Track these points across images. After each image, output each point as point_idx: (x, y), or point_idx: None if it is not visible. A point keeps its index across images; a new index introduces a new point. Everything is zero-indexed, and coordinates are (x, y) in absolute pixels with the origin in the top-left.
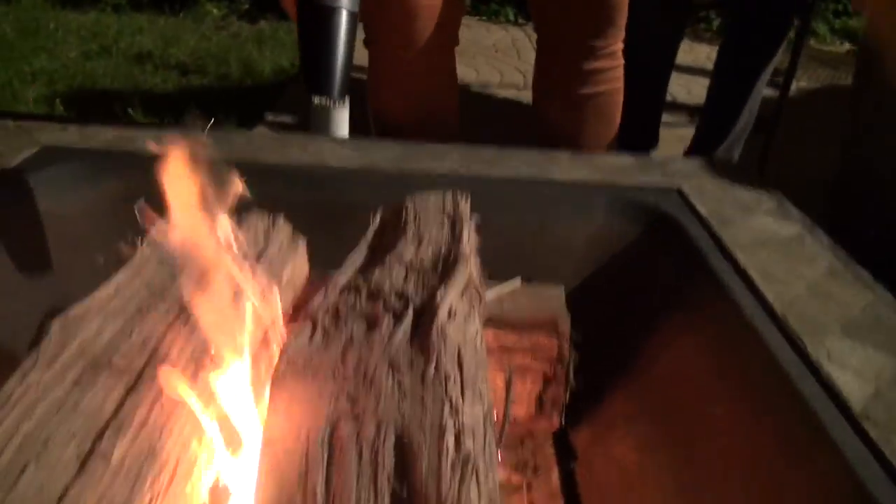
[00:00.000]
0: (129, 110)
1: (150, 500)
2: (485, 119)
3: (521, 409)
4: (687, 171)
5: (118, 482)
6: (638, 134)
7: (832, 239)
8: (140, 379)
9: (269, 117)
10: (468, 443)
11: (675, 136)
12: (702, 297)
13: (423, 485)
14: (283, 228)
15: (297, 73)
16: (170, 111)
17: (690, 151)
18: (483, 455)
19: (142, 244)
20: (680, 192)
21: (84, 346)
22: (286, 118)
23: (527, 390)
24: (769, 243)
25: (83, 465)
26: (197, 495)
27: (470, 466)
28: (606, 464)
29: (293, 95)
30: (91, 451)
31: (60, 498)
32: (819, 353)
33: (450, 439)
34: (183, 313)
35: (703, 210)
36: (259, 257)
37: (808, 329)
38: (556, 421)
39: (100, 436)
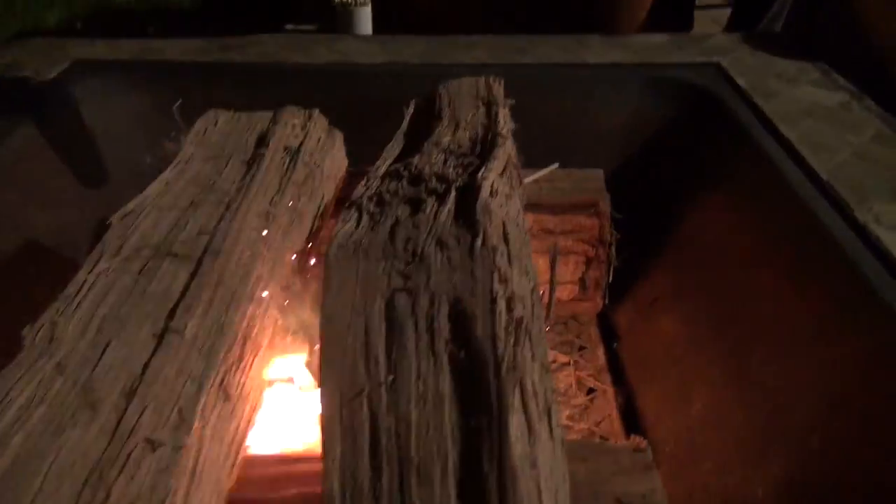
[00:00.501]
0: (150, 29)
1: (224, 371)
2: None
3: (565, 290)
4: (725, 46)
5: (193, 355)
6: (670, 17)
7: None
8: (200, 265)
9: (290, 27)
10: (519, 308)
11: (709, 18)
12: (744, 169)
13: (480, 347)
14: (320, 121)
15: None
16: (188, 26)
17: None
18: (533, 322)
19: (184, 141)
20: (719, 67)
21: (144, 237)
22: (307, 26)
23: (569, 272)
24: (814, 113)
25: (160, 341)
26: (264, 369)
27: (523, 329)
28: (651, 339)
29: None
30: (165, 329)
31: (144, 369)
32: (866, 217)
33: (502, 304)
34: (232, 203)
35: (743, 83)
36: (299, 148)
37: (854, 194)
38: (599, 301)
39: (171, 316)
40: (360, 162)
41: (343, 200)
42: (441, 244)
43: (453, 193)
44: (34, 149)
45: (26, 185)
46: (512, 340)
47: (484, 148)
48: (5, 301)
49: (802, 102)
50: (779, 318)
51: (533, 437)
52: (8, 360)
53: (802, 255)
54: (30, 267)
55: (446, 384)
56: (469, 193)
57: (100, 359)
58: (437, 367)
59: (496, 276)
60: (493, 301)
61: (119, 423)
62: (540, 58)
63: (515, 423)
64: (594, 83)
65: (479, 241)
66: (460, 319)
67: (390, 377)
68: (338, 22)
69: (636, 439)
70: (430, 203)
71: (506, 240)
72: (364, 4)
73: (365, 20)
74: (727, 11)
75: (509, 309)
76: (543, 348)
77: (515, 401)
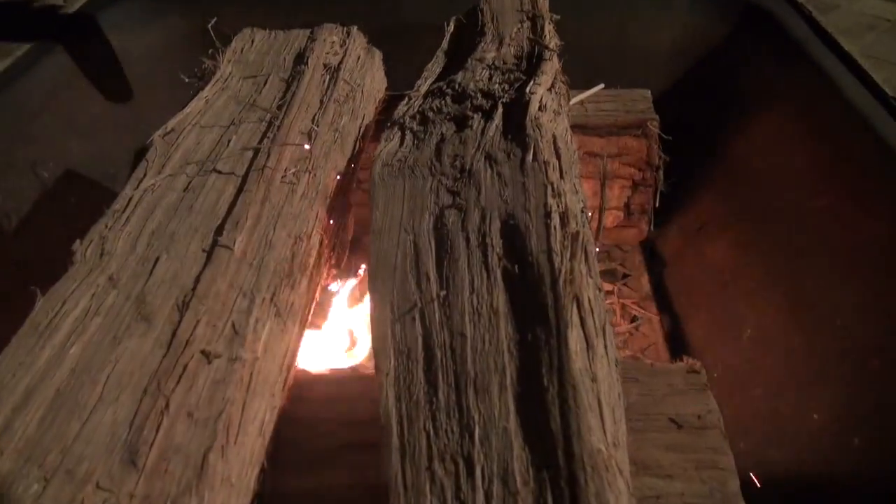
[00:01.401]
0: None
1: (275, 287)
2: None
3: (609, 217)
4: None
5: (244, 269)
6: None
7: None
8: (246, 182)
9: None
10: (573, 223)
11: None
12: (801, 88)
13: (535, 262)
14: (358, 38)
15: None
16: None
17: None
18: (587, 237)
19: (221, 59)
20: None
21: (187, 155)
22: None
23: (615, 197)
24: (877, 26)
25: (209, 256)
26: (315, 288)
27: (579, 243)
28: (698, 266)
29: None
30: (214, 244)
31: (195, 283)
32: None
33: (556, 219)
34: (274, 120)
35: None
36: (339, 67)
37: None
38: (644, 228)
39: (219, 231)
40: (402, 84)
41: (384, 122)
42: (490, 159)
43: (500, 109)
44: (70, 77)
45: (64, 114)
46: (568, 254)
47: (530, 63)
48: (50, 231)
49: (863, 16)
50: (838, 239)
51: (592, 352)
52: (52, 283)
53: (866, 173)
54: (70, 195)
55: (501, 299)
56: (517, 109)
57: (151, 272)
58: (491, 281)
59: (549, 190)
60: (548, 215)
61: (174, 335)
62: None
63: (574, 336)
64: (637, 1)
65: (530, 156)
66: (513, 234)
67: (443, 292)
68: None
69: (690, 361)
70: (477, 119)
71: (557, 154)
72: None
73: None
74: None
75: (563, 223)
76: (596, 266)
77: (573, 315)
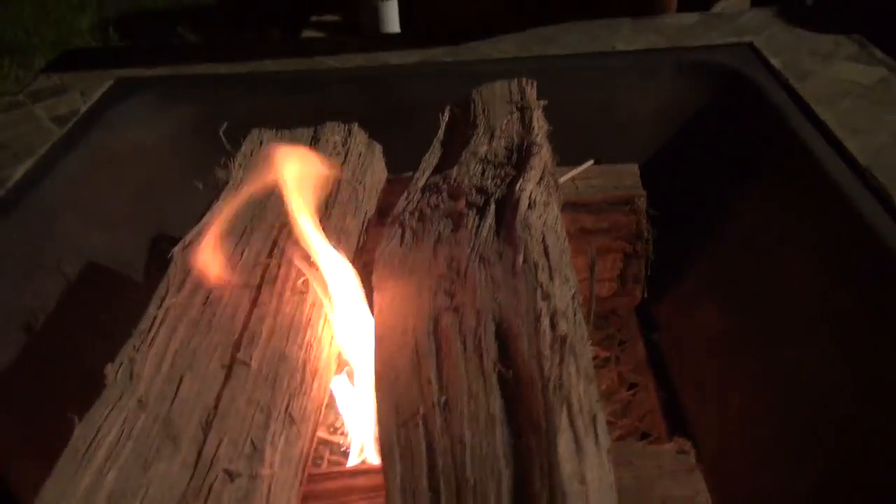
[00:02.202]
0: (179, 28)
1: (289, 397)
2: None
3: (604, 287)
4: (758, 24)
5: (260, 385)
6: None
7: None
8: (259, 294)
9: (314, 18)
10: (563, 324)
11: None
12: (781, 156)
13: (527, 367)
14: (359, 135)
15: None
16: (216, 23)
17: None
18: (576, 335)
19: (233, 165)
20: (752, 47)
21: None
22: (331, 16)
23: (608, 268)
24: (852, 92)
25: (229, 372)
26: (324, 391)
27: (567, 346)
28: (690, 332)
29: None
30: (233, 360)
31: (217, 401)
32: None
33: (545, 322)
34: (284, 228)
35: (777, 63)
36: (341, 167)
37: (893, 180)
38: (638, 296)
39: (237, 346)
40: (400, 164)
41: (384, 210)
42: (484, 261)
43: (493, 206)
44: (89, 172)
45: (85, 209)
46: (557, 359)
47: (520, 156)
48: (72, 324)
49: (839, 81)
50: (816, 311)
51: (581, 454)
52: (84, 380)
53: (841, 247)
54: (91, 288)
55: (497, 404)
56: (508, 207)
57: (176, 392)
58: (487, 386)
59: (539, 292)
60: (538, 319)
61: (199, 455)
62: (569, 47)
63: (564, 441)
64: (625, 71)
65: (520, 258)
66: (507, 338)
67: (443, 398)
68: (363, 16)
69: (679, 441)
70: (471, 217)
71: (546, 253)
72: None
73: (392, 14)
74: None
75: (553, 326)
76: (587, 357)
77: (563, 420)
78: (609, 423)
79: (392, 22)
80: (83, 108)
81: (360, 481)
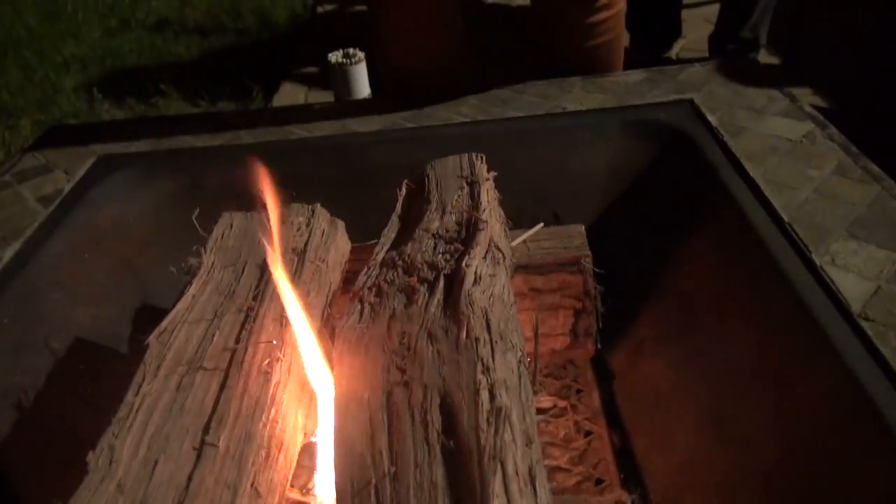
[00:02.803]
0: (162, 86)
1: (255, 473)
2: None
3: (558, 341)
4: (699, 79)
5: (227, 465)
6: (659, 27)
7: (844, 135)
8: (227, 376)
9: (294, 71)
10: (502, 394)
11: (701, 17)
12: (715, 213)
13: (466, 438)
14: (322, 215)
15: (311, 17)
16: (198, 79)
17: (716, 33)
18: (519, 398)
19: (205, 252)
20: (692, 104)
21: (178, 354)
22: (310, 68)
23: (560, 324)
24: (779, 148)
25: (199, 454)
26: (290, 461)
27: (503, 416)
28: (640, 382)
29: (310, 42)
30: (202, 443)
31: (188, 482)
32: (823, 259)
33: (484, 395)
34: (251, 311)
35: (714, 120)
36: (305, 248)
37: (813, 234)
38: (591, 347)
39: (206, 429)
40: (366, 227)
41: (350, 277)
42: (431, 337)
43: (442, 282)
44: (74, 250)
45: (70, 286)
46: (493, 430)
47: (469, 231)
48: (61, 397)
49: (768, 137)
50: (746, 362)
51: None
52: (76, 451)
53: (764, 301)
54: (78, 362)
55: (439, 474)
56: (455, 282)
57: (151, 475)
58: (432, 457)
59: (479, 366)
60: (477, 392)
61: None
62: (523, 108)
63: None
64: (574, 131)
65: (463, 334)
66: (450, 411)
67: (392, 469)
68: (333, 80)
69: (618, 493)
70: (422, 293)
71: (488, 327)
72: (359, 62)
73: (361, 77)
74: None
75: (492, 398)
76: (530, 418)
77: (497, 486)
78: (566, 470)
79: (361, 84)
80: (67, 188)
81: None
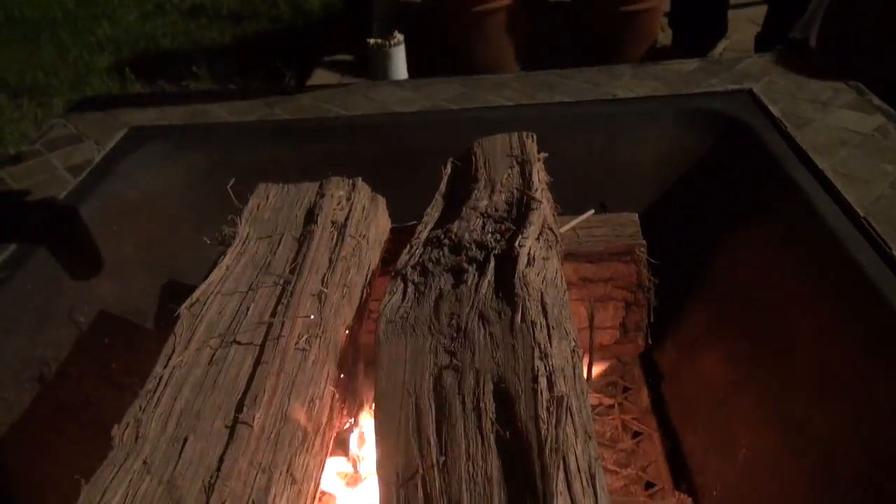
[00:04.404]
0: (194, 69)
1: (291, 457)
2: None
3: (607, 335)
4: (757, 70)
5: (262, 445)
6: (704, 24)
7: None
8: (263, 352)
9: (326, 58)
10: (560, 384)
11: (745, 18)
12: (780, 206)
13: (524, 428)
14: (363, 189)
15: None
16: (231, 65)
17: (763, 34)
18: (575, 390)
19: (240, 222)
20: (751, 94)
21: (211, 326)
22: (343, 56)
23: (610, 317)
24: (849, 141)
25: (231, 433)
26: (327, 447)
27: (564, 406)
28: (693, 380)
29: (345, 30)
30: (236, 421)
31: (220, 463)
32: None
33: (543, 382)
34: (287, 285)
35: (776, 111)
36: (345, 222)
37: (892, 230)
38: (641, 343)
39: (240, 407)
40: (405, 210)
41: (389, 259)
42: (483, 319)
43: (493, 262)
44: (100, 222)
45: (96, 259)
46: (554, 420)
47: (520, 211)
48: (83, 372)
49: (837, 129)
50: (817, 360)
51: None
52: (95, 427)
53: (839, 296)
54: (103, 335)
55: (494, 466)
56: (507, 263)
57: (180, 454)
58: (485, 447)
59: (536, 352)
60: (535, 380)
61: None
62: (570, 94)
63: None
64: (625, 118)
65: (518, 317)
66: (505, 398)
67: (442, 458)
68: (372, 63)
69: (680, 496)
70: (471, 273)
71: (544, 311)
72: (398, 44)
73: (399, 60)
74: (763, 9)
75: (550, 386)
76: (586, 414)
77: (560, 483)
78: (612, 472)
79: (400, 67)
80: (97, 158)
81: None
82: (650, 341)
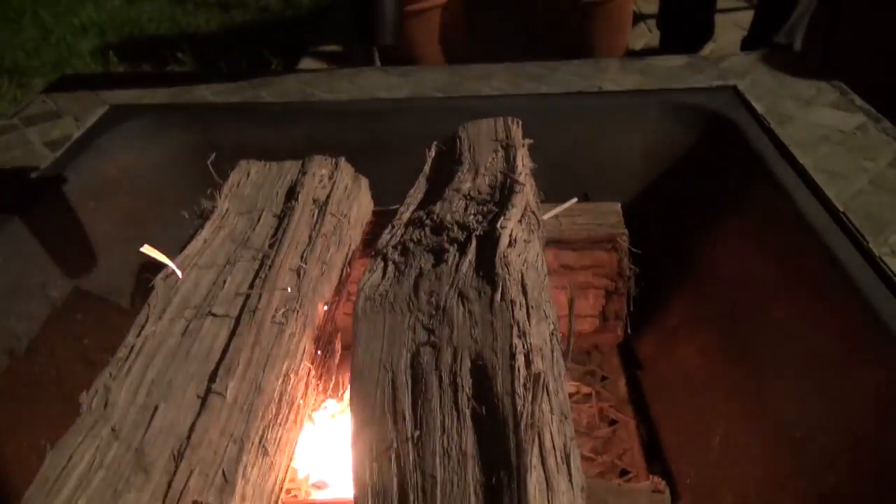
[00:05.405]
0: (179, 55)
1: (263, 429)
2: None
3: (586, 323)
4: (743, 67)
5: (235, 415)
6: (691, 26)
7: None
8: (238, 324)
9: (313, 49)
10: (538, 362)
11: (732, 21)
12: (760, 200)
13: (500, 403)
14: (346, 169)
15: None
16: (216, 52)
17: (749, 38)
18: (552, 371)
19: (219, 196)
20: (736, 90)
21: (186, 298)
22: (330, 47)
23: (590, 305)
24: (830, 138)
25: (203, 402)
26: (301, 422)
27: (542, 383)
28: (671, 370)
29: (333, 23)
30: (208, 391)
31: (190, 432)
32: (882, 250)
33: (520, 360)
34: (266, 259)
35: (760, 108)
36: (326, 200)
37: (870, 225)
38: (620, 332)
39: (213, 377)
40: (387, 196)
41: (369, 241)
42: (463, 297)
43: (474, 242)
44: (78, 198)
45: (72, 235)
46: (530, 396)
47: (503, 194)
48: (55, 347)
49: (819, 127)
50: (794, 351)
51: (551, 493)
52: (66, 402)
53: (816, 288)
54: (76, 311)
55: (469, 441)
56: (489, 243)
57: (150, 422)
58: (461, 422)
59: (515, 330)
60: (513, 356)
61: (169, 486)
62: (557, 85)
63: (534, 480)
64: (611, 111)
65: (498, 295)
66: (481, 375)
67: (416, 433)
68: (357, 53)
69: (655, 480)
70: (452, 253)
71: (524, 291)
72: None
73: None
74: (750, 14)
75: (528, 364)
76: (563, 394)
77: (534, 458)
78: (588, 459)
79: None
80: (76, 134)
81: None
82: (629, 330)
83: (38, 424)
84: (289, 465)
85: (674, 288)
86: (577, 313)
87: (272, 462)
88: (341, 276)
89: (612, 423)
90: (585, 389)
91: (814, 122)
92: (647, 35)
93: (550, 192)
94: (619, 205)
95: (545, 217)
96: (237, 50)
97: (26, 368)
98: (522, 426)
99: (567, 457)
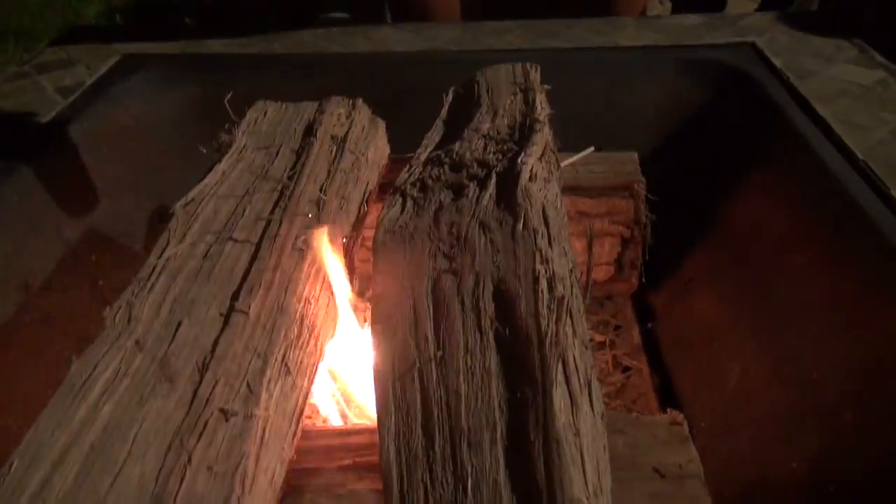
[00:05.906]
0: (187, 20)
1: (286, 348)
2: None
3: (602, 272)
4: (760, 26)
5: (258, 333)
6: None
7: None
8: (259, 249)
9: (322, 15)
10: (560, 287)
11: None
12: (779, 150)
13: (524, 325)
14: (363, 110)
15: None
16: (223, 16)
17: (761, 7)
18: (574, 304)
19: (237, 131)
20: (753, 47)
21: (206, 224)
22: (340, 14)
23: (605, 253)
24: (850, 92)
25: (226, 320)
26: (321, 349)
27: (565, 306)
28: (686, 319)
29: None
30: (231, 309)
31: (214, 346)
32: None
33: (543, 284)
34: (286, 189)
35: (778, 63)
36: (345, 137)
37: (891, 173)
38: (634, 281)
39: (235, 296)
40: (402, 149)
41: (386, 187)
42: (484, 227)
43: (494, 178)
44: (92, 143)
45: (87, 178)
46: (554, 317)
47: (522, 134)
48: (69, 286)
49: (838, 81)
50: (813, 296)
51: (575, 409)
52: (79, 340)
53: (838, 234)
54: (91, 253)
55: (493, 359)
56: (509, 178)
57: (174, 336)
58: (484, 343)
59: (538, 256)
60: (536, 281)
61: (195, 394)
62: (573, 41)
63: (559, 395)
64: (628, 65)
65: (520, 224)
66: (504, 299)
67: (439, 353)
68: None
69: (673, 413)
70: (472, 188)
71: (546, 222)
72: None
73: None
74: None
75: (551, 288)
76: (583, 326)
77: (558, 375)
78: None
79: None
80: (88, 81)
81: (354, 440)
82: (644, 280)
83: (52, 361)
84: (309, 390)
85: (690, 239)
86: (594, 260)
87: (294, 382)
88: (359, 213)
89: (626, 370)
90: (599, 338)
91: (833, 76)
92: (658, 7)
93: (565, 144)
94: (636, 154)
95: (562, 165)
96: (244, 15)
97: (40, 305)
98: (547, 345)
99: (589, 383)
